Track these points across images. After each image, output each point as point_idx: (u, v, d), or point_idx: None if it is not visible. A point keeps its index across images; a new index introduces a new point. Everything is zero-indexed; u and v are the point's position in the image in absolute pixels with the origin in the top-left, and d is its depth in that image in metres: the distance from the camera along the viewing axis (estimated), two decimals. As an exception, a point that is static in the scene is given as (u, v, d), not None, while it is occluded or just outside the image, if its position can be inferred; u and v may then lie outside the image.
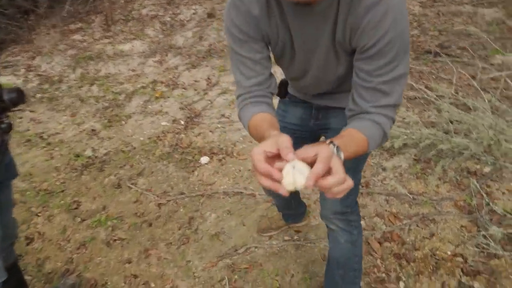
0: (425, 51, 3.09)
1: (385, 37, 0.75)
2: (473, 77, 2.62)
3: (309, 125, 1.23)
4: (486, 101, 2.20)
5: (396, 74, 0.80)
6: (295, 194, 1.64)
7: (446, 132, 2.18)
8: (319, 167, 0.57)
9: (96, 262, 1.85)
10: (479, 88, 2.33)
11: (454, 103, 2.40)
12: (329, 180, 0.58)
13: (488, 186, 1.92)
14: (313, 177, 0.56)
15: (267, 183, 0.59)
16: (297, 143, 1.17)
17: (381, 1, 0.73)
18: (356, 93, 0.86)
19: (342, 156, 0.71)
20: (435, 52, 3.08)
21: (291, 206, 1.74)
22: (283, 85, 1.24)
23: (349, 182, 0.60)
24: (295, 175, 0.57)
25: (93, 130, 2.92)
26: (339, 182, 0.59)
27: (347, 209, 1.20)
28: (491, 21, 3.33)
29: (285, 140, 0.60)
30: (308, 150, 0.60)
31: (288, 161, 0.58)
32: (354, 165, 1.12)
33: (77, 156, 2.64)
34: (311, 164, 0.59)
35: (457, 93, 2.53)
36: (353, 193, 1.20)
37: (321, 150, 0.59)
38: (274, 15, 0.86)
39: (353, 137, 0.80)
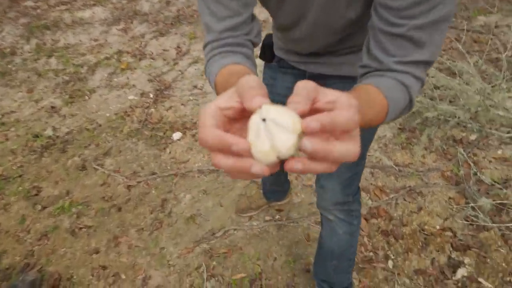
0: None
1: None
2: (457, 40, 2.50)
3: None
4: (472, 64, 2.08)
5: (438, 15, 0.56)
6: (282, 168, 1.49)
7: (431, 99, 2.07)
8: (342, 114, 0.33)
9: (60, 254, 1.68)
10: (464, 51, 2.21)
11: (438, 67, 2.27)
12: (342, 147, 0.34)
13: (475, 155, 1.85)
14: (327, 124, 0.33)
15: (226, 162, 0.34)
16: None
17: None
18: (375, 43, 0.62)
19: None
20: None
21: (280, 180, 1.60)
22: (268, 46, 1.02)
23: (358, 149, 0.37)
24: (273, 134, 0.33)
25: (53, 107, 2.65)
26: (355, 150, 0.35)
27: (349, 198, 1.06)
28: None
29: (250, 80, 0.38)
30: (312, 92, 0.36)
31: (255, 109, 0.35)
32: (362, 142, 0.97)
33: (36, 136, 2.39)
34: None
35: (441, 56, 2.41)
36: (356, 178, 1.05)
37: (340, 95, 0.36)
38: None
39: (370, 96, 0.56)
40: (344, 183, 1.02)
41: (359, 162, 1.02)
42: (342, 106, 0.34)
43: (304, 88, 0.37)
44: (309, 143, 0.32)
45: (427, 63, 0.62)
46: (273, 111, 0.34)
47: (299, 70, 0.97)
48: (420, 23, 0.56)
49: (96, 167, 2.11)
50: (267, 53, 1.03)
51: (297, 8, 0.72)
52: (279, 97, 1.05)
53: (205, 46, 0.71)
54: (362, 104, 0.49)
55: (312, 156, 0.33)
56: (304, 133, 0.33)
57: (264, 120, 0.33)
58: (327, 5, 0.68)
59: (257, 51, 0.87)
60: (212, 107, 0.37)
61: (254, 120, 0.34)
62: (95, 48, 3.23)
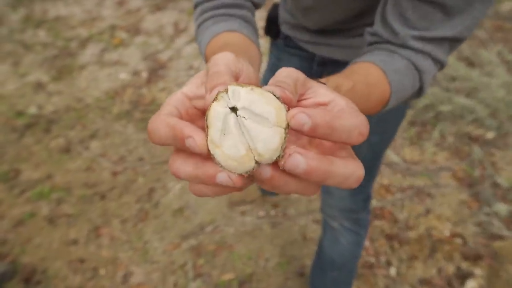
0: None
1: None
2: (479, 26, 2.30)
3: None
4: (495, 54, 1.90)
5: None
6: None
7: (447, 91, 1.90)
8: (347, 117, 0.24)
9: (36, 244, 1.55)
10: (486, 39, 2.02)
11: (456, 56, 2.09)
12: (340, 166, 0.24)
13: (492, 155, 1.69)
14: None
15: (184, 169, 0.25)
16: None
17: None
18: (392, 7, 0.48)
19: None
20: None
21: None
22: (274, 19, 0.86)
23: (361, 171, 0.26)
24: (249, 129, 0.23)
25: (39, 83, 2.48)
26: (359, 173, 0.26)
27: (358, 205, 0.91)
28: (498, -36, 2.95)
29: (220, 60, 0.29)
30: (300, 85, 0.28)
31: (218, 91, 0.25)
32: (384, 140, 0.82)
33: (19, 114, 2.23)
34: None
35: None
36: (369, 184, 0.90)
37: (336, 97, 0.28)
38: None
39: (370, 84, 0.45)
40: (354, 189, 0.87)
41: (374, 166, 0.87)
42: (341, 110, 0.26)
43: (289, 76, 0.27)
44: (302, 160, 0.22)
45: (455, 41, 0.47)
46: (245, 95, 0.24)
47: (307, 52, 0.80)
48: None
49: (81, 150, 1.96)
50: (272, 27, 0.86)
51: None
52: None
53: (195, 7, 0.56)
54: (358, 96, 0.42)
55: (303, 177, 0.23)
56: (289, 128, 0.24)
57: (233, 110, 0.24)
58: None
59: (261, 22, 0.71)
60: (178, 94, 0.29)
61: (217, 111, 0.24)
62: (87, 21, 3.02)
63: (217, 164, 0.24)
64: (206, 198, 1.68)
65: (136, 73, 2.44)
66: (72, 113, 2.22)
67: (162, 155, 1.90)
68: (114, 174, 1.83)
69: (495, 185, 1.57)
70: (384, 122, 0.78)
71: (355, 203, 0.92)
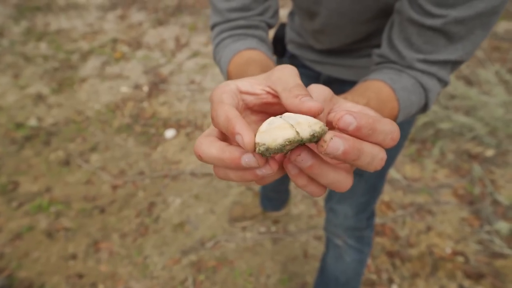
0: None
1: None
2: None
3: None
4: (494, 74, 1.94)
5: (486, 5, 0.44)
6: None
7: (446, 109, 1.92)
8: (386, 121, 0.28)
9: (33, 258, 1.53)
10: (484, 59, 2.06)
11: (456, 75, 2.13)
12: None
13: (491, 172, 1.71)
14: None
15: (210, 151, 0.27)
16: None
17: None
18: (399, 32, 0.51)
19: None
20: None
21: (281, 187, 1.46)
22: (280, 38, 0.88)
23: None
24: (292, 117, 0.27)
25: (39, 95, 2.48)
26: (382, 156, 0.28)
27: (362, 223, 0.91)
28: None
29: (293, 74, 0.31)
30: (329, 101, 0.32)
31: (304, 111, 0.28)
32: (388, 159, 0.83)
33: (18, 126, 2.23)
34: None
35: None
36: (373, 201, 0.91)
37: (363, 109, 0.33)
38: None
39: (381, 100, 0.47)
40: (358, 207, 0.88)
41: (378, 184, 0.87)
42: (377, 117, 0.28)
43: (321, 93, 0.30)
44: (341, 142, 0.25)
45: (456, 63, 0.50)
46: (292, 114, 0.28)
47: (313, 71, 0.82)
48: (461, 15, 0.44)
49: (81, 163, 1.95)
50: (278, 46, 0.89)
51: None
52: None
53: (212, 28, 0.59)
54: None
55: (342, 158, 0.26)
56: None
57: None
58: None
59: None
60: (232, 86, 0.31)
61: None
62: (89, 34, 3.05)
63: (258, 145, 0.26)
64: (206, 214, 1.67)
65: (137, 86, 2.45)
66: (72, 125, 2.22)
67: (163, 169, 1.89)
68: (114, 187, 1.82)
69: (496, 203, 1.58)
70: None
71: (360, 221, 0.92)
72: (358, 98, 0.45)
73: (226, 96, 0.30)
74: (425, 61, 0.50)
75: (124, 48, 2.83)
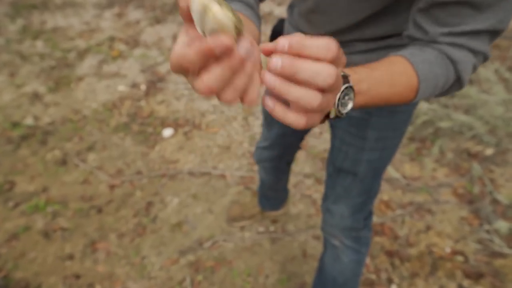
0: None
1: None
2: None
3: None
4: (493, 72, 1.93)
5: None
6: (286, 170, 1.34)
7: (445, 107, 1.91)
8: (315, 39, 0.32)
9: (30, 259, 1.51)
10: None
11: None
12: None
13: (491, 171, 1.70)
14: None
15: (214, 72, 0.31)
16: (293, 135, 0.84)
17: None
18: (424, 11, 0.50)
19: (352, 97, 0.42)
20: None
21: (278, 185, 1.45)
22: (278, 33, 0.89)
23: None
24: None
25: (36, 94, 2.46)
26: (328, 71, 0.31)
27: (359, 224, 0.91)
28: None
29: None
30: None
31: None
32: (379, 161, 0.81)
33: (15, 125, 2.21)
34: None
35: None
36: (370, 202, 0.90)
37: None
38: None
39: (393, 71, 0.47)
40: (355, 207, 0.87)
41: (374, 184, 0.86)
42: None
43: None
44: (278, 58, 0.31)
45: (492, 33, 0.48)
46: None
47: None
48: None
49: (78, 162, 1.94)
50: (277, 36, 0.88)
51: None
52: None
53: None
54: (378, 81, 0.45)
55: (282, 75, 0.32)
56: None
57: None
58: None
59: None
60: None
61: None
62: (85, 32, 3.03)
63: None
64: (204, 213, 1.66)
65: (134, 85, 2.44)
66: (69, 124, 2.20)
67: (160, 169, 1.88)
68: (111, 187, 1.80)
69: (495, 202, 1.57)
70: (384, 139, 0.79)
71: (357, 221, 0.91)
72: (359, 68, 0.45)
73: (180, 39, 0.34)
74: (451, 34, 0.48)
75: (121, 47, 2.81)
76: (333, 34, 0.69)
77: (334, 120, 0.83)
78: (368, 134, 0.77)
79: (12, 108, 2.34)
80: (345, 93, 0.42)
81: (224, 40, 0.29)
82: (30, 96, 2.44)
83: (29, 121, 2.24)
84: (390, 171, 1.75)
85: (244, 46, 0.31)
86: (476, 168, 1.67)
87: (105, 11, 3.21)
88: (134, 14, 3.12)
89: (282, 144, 1.12)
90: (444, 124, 1.76)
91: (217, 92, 0.32)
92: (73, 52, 2.81)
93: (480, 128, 1.71)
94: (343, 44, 0.70)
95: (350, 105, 0.41)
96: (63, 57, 2.76)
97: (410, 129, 1.88)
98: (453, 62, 0.49)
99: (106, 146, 2.03)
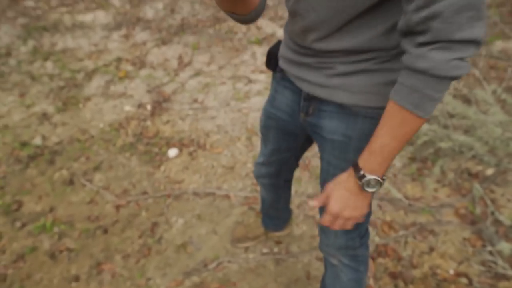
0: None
1: None
2: (474, 65, 2.39)
3: (299, 121, 0.91)
4: (490, 93, 1.97)
5: None
6: (285, 188, 1.36)
7: (445, 127, 1.94)
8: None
9: (36, 280, 1.53)
10: (481, 78, 2.09)
11: (453, 94, 2.16)
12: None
13: (492, 192, 1.71)
14: None
15: None
16: (287, 140, 0.95)
17: None
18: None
19: (369, 190, 0.66)
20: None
21: (279, 204, 1.47)
22: (274, 53, 0.94)
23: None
24: None
25: (44, 114, 2.52)
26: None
27: (355, 242, 0.93)
28: (490, 3, 3.09)
29: None
30: None
31: None
32: None
33: (23, 145, 2.25)
34: None
35: (456, 82, 2.30)
36: (365, 220, 0.92)
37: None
38: None
39: (387, 122, 0.61)
40: None
41: None
42: None
43: None
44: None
45: (457, 42, 0.52)
46: None
47: (297, 87, 0.87)
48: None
49: (85, 182, 1.97)
50: (272, 60, 0.95)
51: None
52: (279, 112, 0.96)
53: None
54: (380, 147, 0.62)
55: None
56: None
57: None
58: None
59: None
60: None
61: None
62: (94, 53, 3.11)
63: None
64: (209, 234, 1.67)
65: (140, 105, 2.49)
66: (76, 144, 2.24)
67: (165, 189, 1.91)
68: (117, 207, 1.83)
69: (497, 222, 1.58)
70: None
71: (352, 240, 0.93)
72: (365, 152, 0.66)
73: None
74: (416, 44, 0.56)
75: (128, 67, 2.88)
76: (316, 41, 0.73)
77: (320, 145, 0.87)
78: (350, 157, 0.80)
79: (21, 128, 2.40)
80: (365, 184, 0.65)
81: None
82: (39, 116, 2.50)
83: (37, 141, 2.29)
84: (393, 191, 1.77)
85: None
86: (477, 188, 1.69)
87: (113, 32, 3.30)
88: (140, 35, 3.21)
89: (278, 160, 1.14)
90: (444, 145, 1.78)
91: None
92: (82, 72, 2.88)
93: (479, 149, 1.73)
94: (324, 64, 0.75)
95: (374, 181, 0.65)
96: (72, 78, 2.84)
97: (410, 149, 1.90)
98: (418, 71, 0.55)
99: (112, 166, 2.07)
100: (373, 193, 0.69)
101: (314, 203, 0.75)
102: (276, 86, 0.96)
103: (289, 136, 1.01)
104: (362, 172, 0.66)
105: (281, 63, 0.91)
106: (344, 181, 0.71)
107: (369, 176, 0.65)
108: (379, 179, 0.66)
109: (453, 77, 0.54)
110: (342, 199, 0.71)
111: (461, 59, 0.53)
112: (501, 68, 2.31)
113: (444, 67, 0.52)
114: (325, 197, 0.75)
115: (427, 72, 0.54)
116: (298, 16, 0.73)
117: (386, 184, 1.81)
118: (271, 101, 0.99)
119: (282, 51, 0.89)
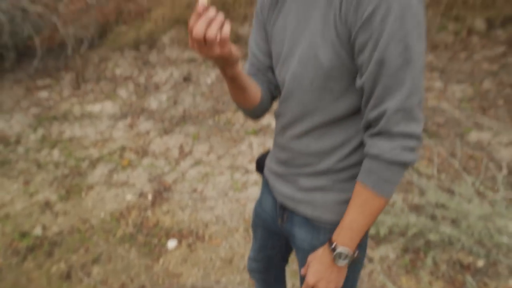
0: (402, 126, 3.09)
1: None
2: (453, 156, 2.59)
3: (277, 225, 1.01)
4: (470, 184, 2.11)
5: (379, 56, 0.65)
6: (276, 285, 1.37)
7: (433, 218, 2.05)
8: None
9: None
10: (460, 169, 2.26)
11: (438, 184, 2.31)
12: None
13: (485, 284, 1.76)
14: None
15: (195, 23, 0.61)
16: (272, 239, 1.06)
17: None
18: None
19: (341, 263, 0.77)
20: (412, 127, 3.09)
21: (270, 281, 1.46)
22: (261, 159, 1.07)
23: None
24: None
25: (47, 202, 2.59)
26: None
27: None
28: (462, 98, 3.44)
29: None
30: None
31: None
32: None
33: (23, 235, 2.29)
34: None
35: (439, 171, 2.47)
36: None
37: None
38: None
39: (355, 201, 0.75)
40: None
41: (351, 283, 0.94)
42: None
43: None
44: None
45: (402, 110, 0.67)
46: None
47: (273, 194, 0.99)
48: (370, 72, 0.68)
49: (82, 276, 1.97)
50: (261, 165, 1.07)
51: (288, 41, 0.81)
52: (264, 213, 1.07)
53: None
54: (349, 223, 0.74)
55: None
56: None
57: None
58: (310, 45, 0.74)
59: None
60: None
61: None
62: (99, 142, 3.30)
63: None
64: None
65: (142, 194, 2.59)
66: (76, 235, 2.28)
67: (164, 283, 1.91)
68: (114, 304, 1.82)
69: (493, 319, 1.60)
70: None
71: None
72: (338, 228, 0.78)
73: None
74: (370, 134, 0.72)
75: (131, 156, 3.04)
76: (292, 138, 0.86)
77: (295, 250, 0.96)
78: None
79: (23, 217, 2.45)
80: (337, 256, 0.74)
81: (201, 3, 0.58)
82: (41, 205, 2.57)
83: (37, 231, 2.33)
84: (388, 284, 1.80)
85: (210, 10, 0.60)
86: (470, 281, 1.73)
87: (118, 122, 3.54)
88: (144, 125, 3.45)
89: (265, 257, 1.19)
90: (433, 237, 1.87)
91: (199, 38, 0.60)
92: (86, 160, 3.03)
93: (466, 241, 1.81)
94: (294, 172, 0.89)
95: (346, 253, 0.75)
96: (77, 166, 2.97)
97: (402, 240, 1.98)
98: (374, 157, 0.70)
99: (111, 258, 2.09)
100: (346, 267, 0.79)
101: (302, 272, 0.86)
102: (263, 189, 1.09)
103: (273, 235, 1.10)
104: (334, 245, 0.76)
105: (265, 171, 1.04)
106: (320, 255, 0.81)
107: (340, 249, 0.75)
108: (350, 252, 0.76)
109: (400, 162, 0.69)
110: (318, 272, 0.80)
111: (403, 148, 0.68)
112: (479, 159, 2.51)
113: (389, 154, 0.68)
114: (305, 269, 0.85)
115: (378, 157, 0.69)
116: (280, 116, 0.89)
117: (381, 277, 1.85)
118: (259, 201, 1.10)
119: (267, 160, 1.04)
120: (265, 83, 0.92)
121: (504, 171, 2.40)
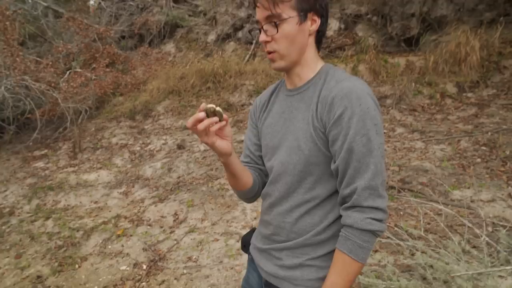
0: (389, 187, 3.23)
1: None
2: (439, 215, 2.70)
3: None
4: (457, 243, 2.20)
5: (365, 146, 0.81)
6: None
7: (425, 278, 2.09)
8: None
9: None
10: (446, 229, 2.36)
11: (426, 244, 2.38)
12: None
13: None
14: None
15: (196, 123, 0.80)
16: None
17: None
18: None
19: None
20: (399, 188, 3.22)
21: None
22: (246, 240, 1.17)
23: None
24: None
25: (38, 276, 2.55)
26: None
27: None
28: (442, 157, 3.64)
29: None
30: None
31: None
32: None
33: (13, 314, 2.23)
34: None
35: (426, 231, 2.55)
36: None
37: None
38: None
39: (334, 266, 0.86)
40: None
41: None
42: None
43: None
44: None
45: (365, 189, 0.83)
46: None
47: (257, 272, 1.07)
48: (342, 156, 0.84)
49: None
50: (246, 244, 1.16)
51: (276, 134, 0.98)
52: None
53: None
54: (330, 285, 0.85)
55: None
56: None
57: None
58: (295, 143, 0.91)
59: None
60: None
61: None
62: (94, 211, 3.33)
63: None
64: None
65: (136, 264, 2.58)
66: (68, 311, 2.23)
67: None
68: None
69: None
70: None
71: None
72: None
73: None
74: (344, 207, 0.86)
75: (126, 224, 3.07)
76: (278, 215, 0.98)
77: None
78: None
79: (13, 294, 2.40)
80: None
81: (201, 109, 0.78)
82: (32, 279, 2.52)
83: (28, 308, 2.28)
84: None
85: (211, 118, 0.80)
86: None
87: (113, 190, 3.61)
88: (139, 192, 3.52)
89: None
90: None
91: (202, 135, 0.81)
92: (81, 231, 3.04)
93: (459, 303, 1.84)
94: (278, 248, 0.98)
95: None
96: (71, 236, 2.97)
97: (397, 304, 2.00)
98: (348, 227, 0.84)
99: (104, 335, 2.03)
100: None
101: None
102: (249, 267, 1.17)
103: None
104: None
105: (250, 249, 1.14)
106: None
107: None
108: None
109: (371, 231, 0.82)
110: None
111: (372, 219, 0.82)
112: (464, 216, 2.61)
113: (361, 223, 0.82)
114: None
115: (352, 226, 0.83)
116: (267, 196, 1.02)
117: None
118: (245, 278, 1.18)
119: (253, 238, 1.14)
120: (257, 171, 1.08)
121: (489, 228, 2.50)
